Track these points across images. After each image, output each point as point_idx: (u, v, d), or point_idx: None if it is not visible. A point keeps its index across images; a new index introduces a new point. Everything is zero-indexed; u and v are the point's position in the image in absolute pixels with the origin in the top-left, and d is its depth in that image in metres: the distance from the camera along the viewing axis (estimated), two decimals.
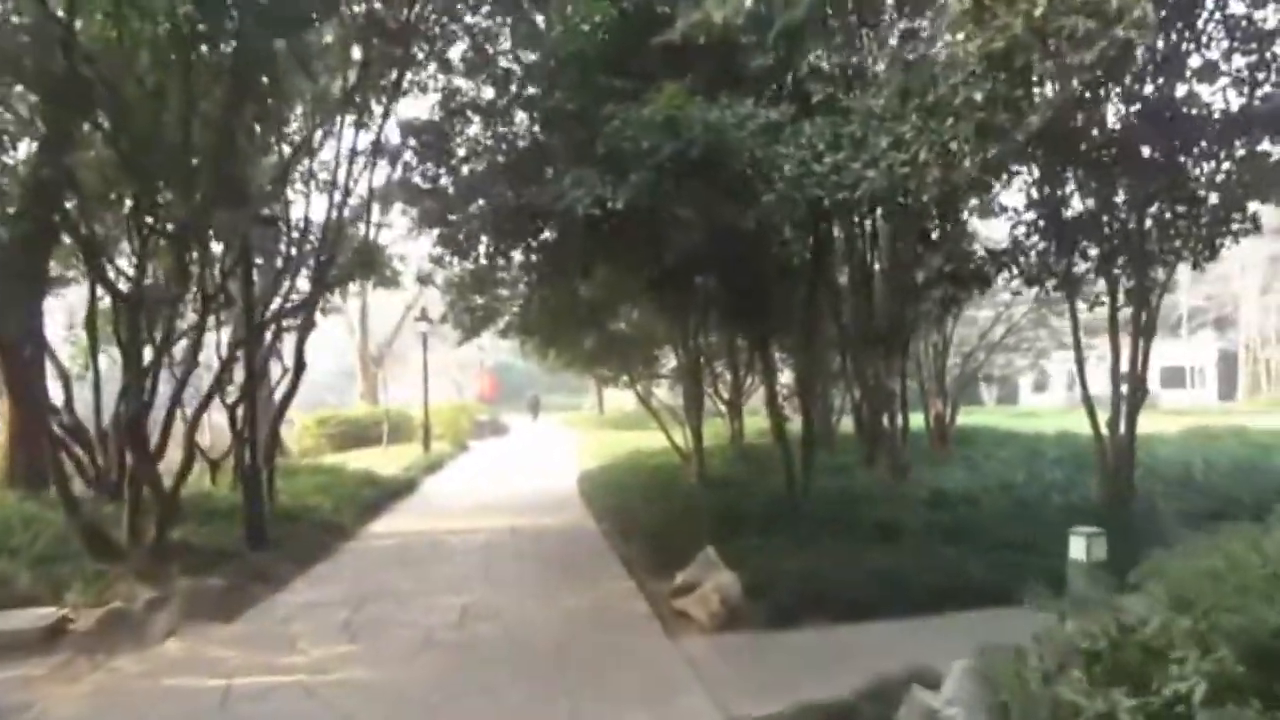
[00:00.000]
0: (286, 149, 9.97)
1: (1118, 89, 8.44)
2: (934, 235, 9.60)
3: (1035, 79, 5.84)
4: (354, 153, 11.17)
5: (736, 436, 17.85)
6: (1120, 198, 9.00)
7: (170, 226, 7.74)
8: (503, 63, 10.45)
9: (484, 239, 10.17)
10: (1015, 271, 9.72)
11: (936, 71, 6.16)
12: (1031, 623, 5.58)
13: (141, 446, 7.62)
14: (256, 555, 8.73)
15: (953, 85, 6.00)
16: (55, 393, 10.99)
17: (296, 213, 11.55)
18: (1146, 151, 8.74)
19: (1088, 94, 6.98)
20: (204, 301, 8.16)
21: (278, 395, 12.65)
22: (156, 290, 7.98)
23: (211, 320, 9.57)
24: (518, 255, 11.11)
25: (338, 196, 11.13)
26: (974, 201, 9.40)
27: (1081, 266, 9.31)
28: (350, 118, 11.07)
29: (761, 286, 8.56)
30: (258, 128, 9.49)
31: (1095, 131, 8.66)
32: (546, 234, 9.12)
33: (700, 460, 14.18)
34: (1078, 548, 5.33)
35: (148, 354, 7.98)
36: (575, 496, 15.05)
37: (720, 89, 6.96)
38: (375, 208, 14.01)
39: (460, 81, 11.43)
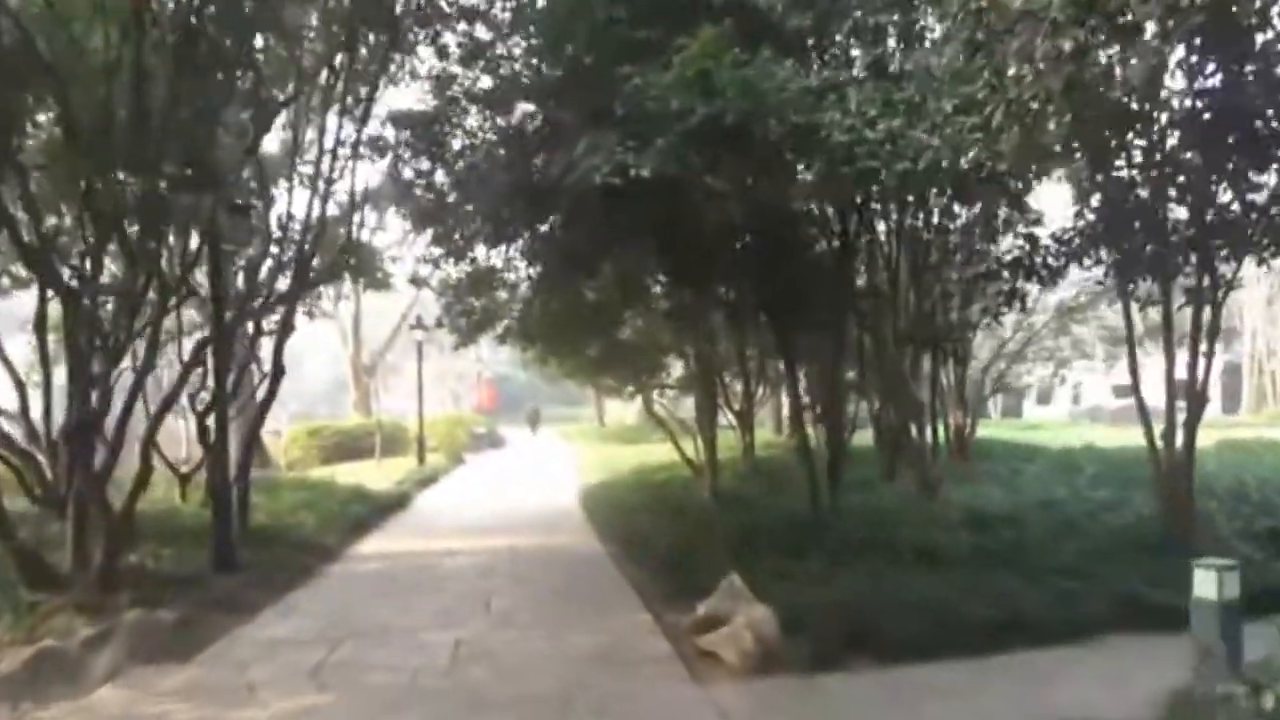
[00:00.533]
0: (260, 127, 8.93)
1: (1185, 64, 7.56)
2: (1004, 215, 8.52)
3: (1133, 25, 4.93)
4: (338, 141, 10.23)
5: (747, 449, 16.86)
6: (1183, 183, 8.09)
7: (122, 210, 6.77)
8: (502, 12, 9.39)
9: (481, 234, 9.15)
10: (1094, 261, 8.63)
11: (1014, 21, 5.21)
12: (1117, 665, 4.56)
13: (85, 458, 6.62)
14: (223, 581, 7.70)
15: (1032, 37, 5.08)
16: (9, 399, 10.05)
17: (277, 209, 10.60)
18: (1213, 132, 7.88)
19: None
20: (161, 295, 7.16)
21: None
22: (105, 284, 6.98)
23: (184, 321, 8.61)
24: (518, 252, 10.15)
25: (319, 186, 10.17)
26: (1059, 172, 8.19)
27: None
28: (333, 104, 10.14)
29: (792, 282, 7.56)
30: (242, 113, 8.57)
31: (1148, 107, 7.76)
32: (552, 219, 8.08)
33: (714, 475, 13.18)
34: (1205, 583, 4.35)
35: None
36: (578, 514, 14.06)
37: (753, 49, 6.00)
38: (367, 208, 13.14)
39: (455, 69, 10.56)
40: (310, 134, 10.80)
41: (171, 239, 7.68)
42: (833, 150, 5.50)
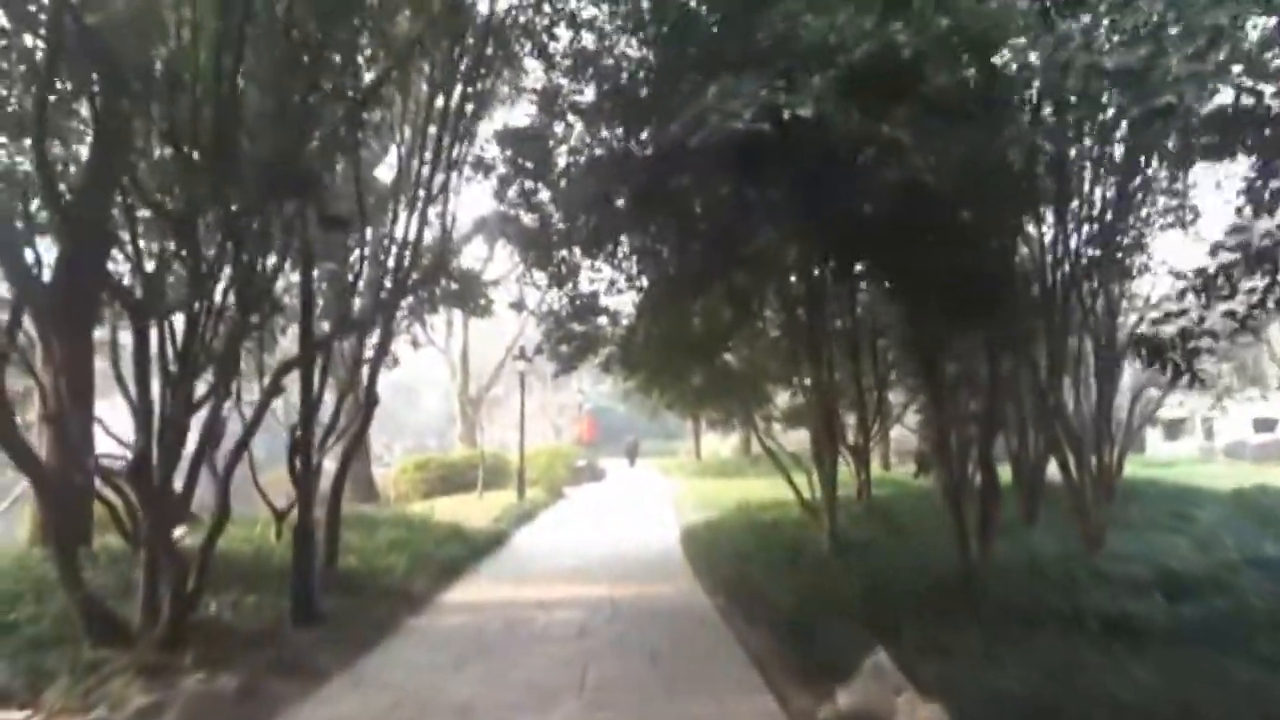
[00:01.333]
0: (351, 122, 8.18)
1: None
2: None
3: None
4: (436, 154, 9.57)
5: (862, 487, 15.15)
6: None
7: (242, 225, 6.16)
8: None
9: (586, 243, 8.11)
10: None
11: None
12: None
13: (151, 498, 5.91)
14: (300, 635, 6.84)
15: None
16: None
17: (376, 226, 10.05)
18: None
19: None
20: (243, 310, 6.43)
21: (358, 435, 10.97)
22: (170, 300, 6.34)
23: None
24: (622, 273, 9.07)
25: (418, 199, 9.52)
26: None
27: None
28: (434, 119, 9.53)
29: (964, 280, 5.97)
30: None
31: None
32: (666, 216, 6.81)
33: (832, 518, 11.62)
34: None
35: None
36: (680, 557, 12.74)
37: None
38: (474, 237, 12.63)
39: (561, 80, 9.86)
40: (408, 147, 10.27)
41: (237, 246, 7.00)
42: (1062, 89, 4.04)
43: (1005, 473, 11.19)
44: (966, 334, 7.35)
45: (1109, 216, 10.23)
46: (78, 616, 5.84)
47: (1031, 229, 9.57)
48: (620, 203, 6.99)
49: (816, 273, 9.34)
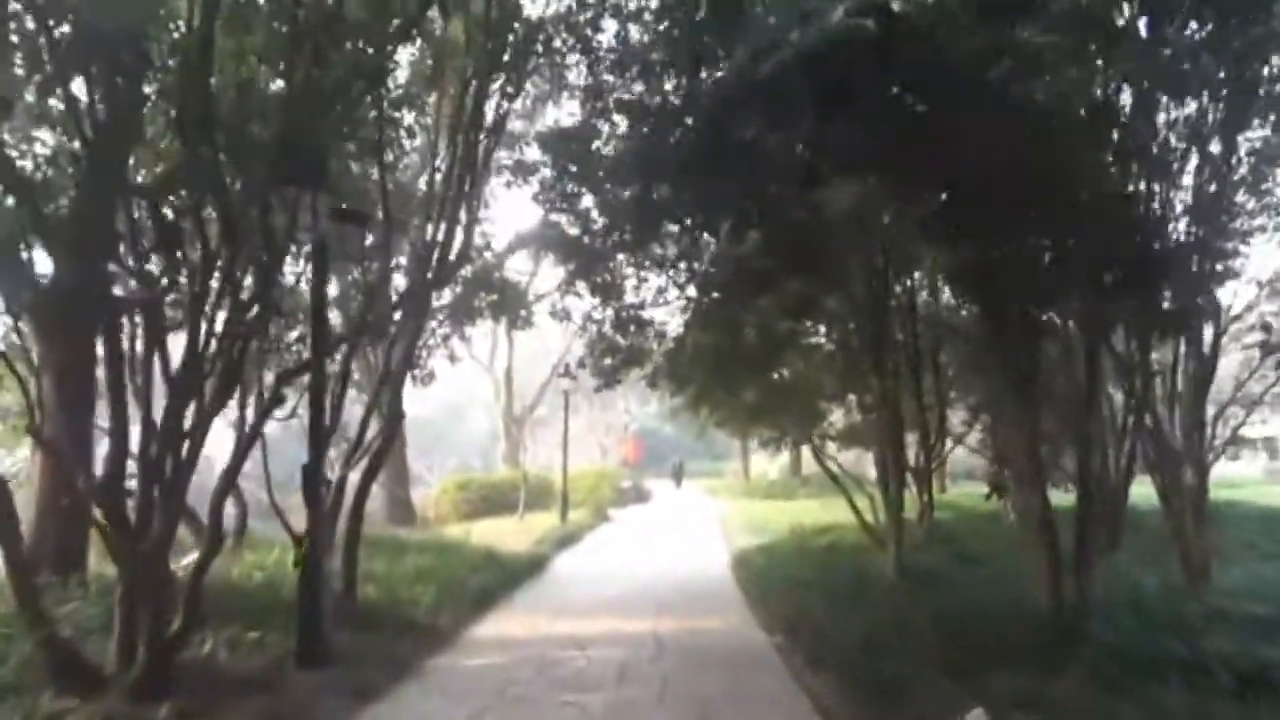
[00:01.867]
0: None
1: None
2: None
3: None
4: (468, 154, 8.75)
5: (925, 511, 13.69)
6: None
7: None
8: None
9: (633, 233, 7.19)
10: None
11: None
12: None
13: (123, 520, 5.03)
14: (303, 678, 5.84)
15: None
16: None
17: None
18: None
19: None
20: (235, 308, 5.53)
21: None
22: (147, 292, 5.50)
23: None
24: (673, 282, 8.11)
25: (445, 196, 8.68)
26: None
27: None
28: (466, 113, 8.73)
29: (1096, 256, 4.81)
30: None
31: None
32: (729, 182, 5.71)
33: (899, 545, 10.31)
34: None
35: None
36: (731, 586, 11.52)
37: None
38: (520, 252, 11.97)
39: (607, 77, 9.13)
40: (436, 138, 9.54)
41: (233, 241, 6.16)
42: None
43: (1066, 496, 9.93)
44: (1083, 328, 6.11)
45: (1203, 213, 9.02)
46: (41, 658, 4.95)
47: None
48: (671, 182, 5.95)
49: (883, 264, 8.22)
